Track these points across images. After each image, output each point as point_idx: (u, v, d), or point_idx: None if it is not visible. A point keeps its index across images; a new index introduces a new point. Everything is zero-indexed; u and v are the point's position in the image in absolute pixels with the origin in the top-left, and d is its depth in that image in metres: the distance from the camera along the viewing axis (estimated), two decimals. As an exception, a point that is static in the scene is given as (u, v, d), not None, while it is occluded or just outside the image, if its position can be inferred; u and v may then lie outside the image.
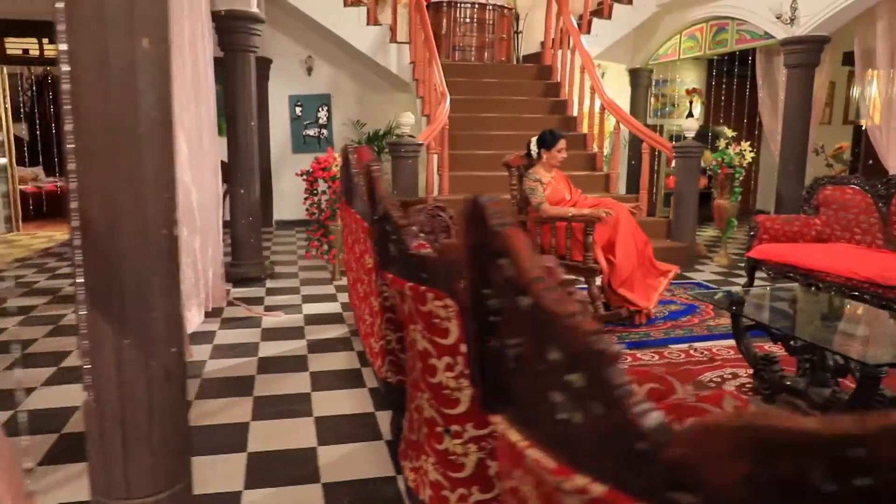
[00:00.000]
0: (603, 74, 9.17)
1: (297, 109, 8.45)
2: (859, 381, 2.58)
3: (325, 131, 8.53)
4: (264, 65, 8.21)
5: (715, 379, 3.52)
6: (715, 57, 8.99)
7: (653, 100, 9.49)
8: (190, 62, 4.03)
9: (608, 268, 4.32)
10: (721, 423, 0.61)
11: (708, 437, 0.61)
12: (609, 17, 8.24)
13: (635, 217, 4.60)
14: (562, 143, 4.55)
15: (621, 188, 8.07)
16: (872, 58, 6.05)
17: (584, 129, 7.34)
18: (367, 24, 7.58)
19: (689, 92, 9.45)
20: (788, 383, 3.04)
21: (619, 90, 9.38)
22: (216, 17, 5.18)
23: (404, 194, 5.64)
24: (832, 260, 4.48)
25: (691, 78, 9.72)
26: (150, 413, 1.68)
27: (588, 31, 8.22)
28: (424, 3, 8.14)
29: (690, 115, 9.43)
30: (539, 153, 4.58)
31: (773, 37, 6.78)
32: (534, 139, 4.62)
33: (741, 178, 6.39)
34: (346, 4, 7.49)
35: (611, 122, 9.15)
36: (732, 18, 7.47)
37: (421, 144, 5.63)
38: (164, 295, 1.69)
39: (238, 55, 5.30)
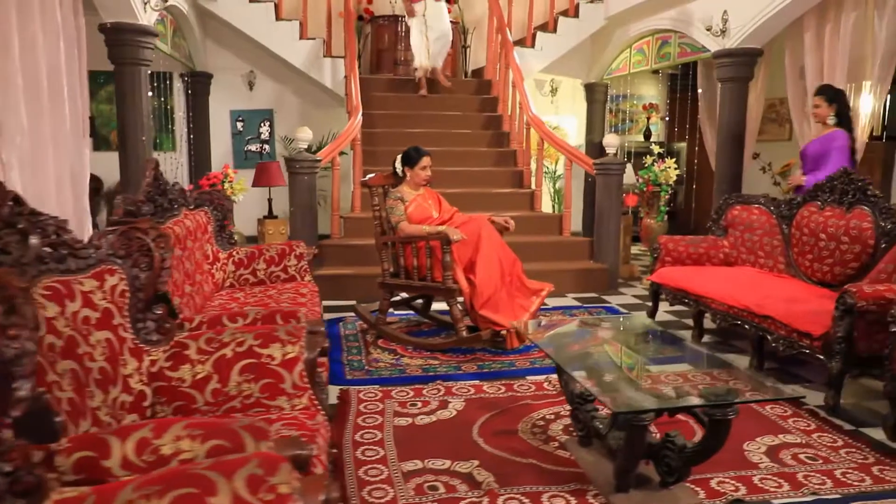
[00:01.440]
0: (555, 90, 8.97)
1: (239, 125, 8.34)
2: (626, 429, 2.32)
3: (267, 146, 8.40)
4: (205, 79, 8.13)
5: (549, 416, 3.26)
6: (671, 71, 8.72)
7: (609, 115, 9.21)
8: (23, 73, 3.87)
9: (469, 288, 4.09)
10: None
11: None
12: (554, 31, 8.02)
13: (504, 234, 4.38)
14: (425, 161, 4.36)
15: (577, 219, 7.72)
16: (804, 72, 5.75)
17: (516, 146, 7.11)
18: (301, 38, 7.45)
19: (645, 107, 9.17)
20: (598, 425, 2.78)
21: (574, 106, 9.16)
22: (103, 29, 5.08)
23: (301, 211, 5.46)
24: (717, 286, 4.19)
25: (651, 93, 9.44)
26: None
27: (532, 45, 8.01)
28: (356, 17, 8.04)
29: (648, 131, 9.14)
30: (403, 171, 4.38)
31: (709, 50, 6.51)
32: (399, 157, 4.43)
33: (668, 197, 6.09)
34: (278, 18, 7.37)
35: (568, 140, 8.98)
36: (674, 31, 7.21)
37: (318, 160, 5.45)
38: None
39: (126, 68, 5.19)
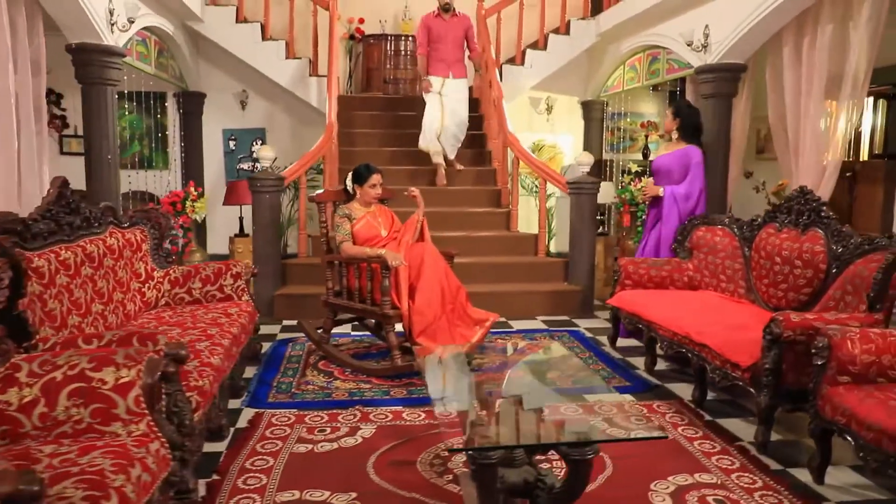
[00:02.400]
0: (550, 108, 8.83)
1: (231, 143, 8.40)
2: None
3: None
4: (198, 99, 8.22)
5: (458, 445, 3.09)
6: (671, 88, 8.49)
7: (607, 134, 9.01)
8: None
9: (408, 314, 3.97)
10: None
11: None
12: (545, 48, 7.90)
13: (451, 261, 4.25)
14: (375, 179, 4.26)
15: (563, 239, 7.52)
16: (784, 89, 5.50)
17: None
18: (287, 57, 7.48)
19: (643, 125, 8.94)
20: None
21: (570, 124, 8.99)
22: (69, 49, 5.15)
23: (263, 230, 5.42)
24: (665, 312, 3.99)
25: (651, 110, 9.20)
26: None
27: (522, 63, 7.90)
28: (348, 36, 8.06)
29: (646, 149, 8.91)
30: (353, 188, 4.30)
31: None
32: (349, 174, 4.35)
33: (644, 217, 5.87)
34: (264, 38, 7.42)
35: (562, 158, 8.81)
36: (662, 48, 7.03)
37: (282, 179, 5.41)
38: None
39: (93, 88, 5.23)
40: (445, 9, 6.66)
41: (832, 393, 2.64)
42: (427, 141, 6.68)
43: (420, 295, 3.97)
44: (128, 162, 8.10)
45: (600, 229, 6.89)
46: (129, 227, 3.93)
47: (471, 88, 7.54)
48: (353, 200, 4.33)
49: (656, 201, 5.00)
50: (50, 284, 2.80)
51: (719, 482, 2.77)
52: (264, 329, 5.19)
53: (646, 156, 8.96)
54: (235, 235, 6.07)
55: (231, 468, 2.84)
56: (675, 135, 4.94)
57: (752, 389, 3.09)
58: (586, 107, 8.90)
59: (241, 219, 6.33)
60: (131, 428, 2.13)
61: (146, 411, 2.14)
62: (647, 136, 8.96)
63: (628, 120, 8.82)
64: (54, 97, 7.61)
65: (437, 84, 6.64)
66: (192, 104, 8.14)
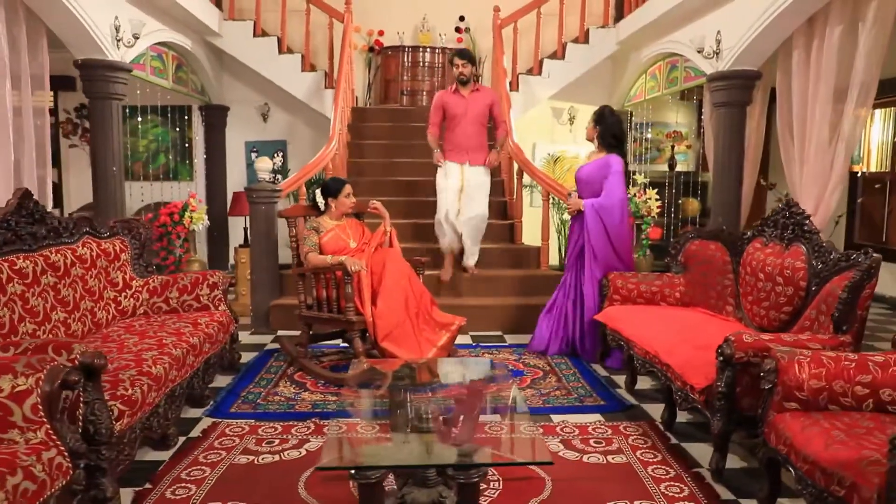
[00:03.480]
0: (573, 118, 8.68)
1: (253, 155, 8.56)
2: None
3: (280, 177, 8.56)
4: (222, 112, 8.44)
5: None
6: (699, 98, 8.22)
7: (634, 144, 8.77)
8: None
9: (372, 319, 3.94)
10: None
11: None
12: (563, 58, 7.77)
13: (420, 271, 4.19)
14: (347, 189, 4.30)
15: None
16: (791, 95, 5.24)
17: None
18: (303, 70, 7.60)
19: (669, 135, 8.67)
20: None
21: (594, 134, 8.79)
22: (76, 65, 5.35)
23: (260, 240, 5.48)
24: (642, 329, 3.83)
25: (682, 120, 8.92)
26: None
27: (539, 73, 7.79)
28: (367, 48, 8.12)
29: (672, 160, 8.64)
30: (326, 203, 4.32)
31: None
32: (318, 190, 4.38)
33: (649, 230, 5.68)
34: (281, 52, 7.56)
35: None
36: (680, 55, 6.81)
37: (279, 191, 5.47)
38: None
39: (98, 103, 5.42)
40: (463, 82, 5.39)
41: (778, 420, 2.46)
42: (446, 242, 5.52)
43: (382, 299, 3.95)
44: (154, 174, 8.38)
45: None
46: (109, 237, 4.03)
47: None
48: (323, 215, 4.36)
49: (579, 215, 4.72)
50: (0, 293, 2.88)
51: (659, 511, 2.61)
52: (255, 339, 5.25)
53: (672, 167, 8.70)
54: (240, 246, 6.17)
55: (166, 477, 2.85)
56: (595, 143, 4.70)
57: (707, 413, 2.91)
58: (610, 116, 8.70)
59: (245, 229, 6.44)
60: (29, 436, 2.15)
61: (44, 419, 2.16)
62: (673, 147, 8.69)
63: (652, 130, 8.57)
64: (86, 111, 7.94)
65: (454, 171, 5.41)
66: (215, 117, 8.36)
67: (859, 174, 7.33)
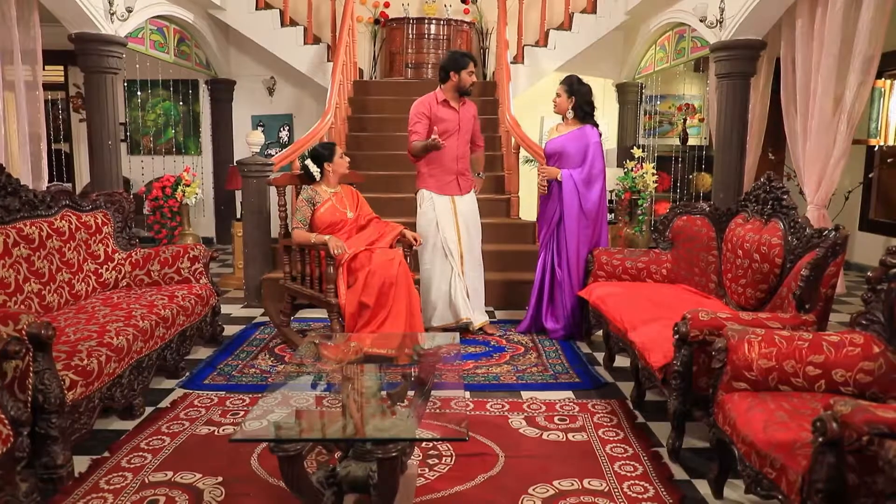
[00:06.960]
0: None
1: (260, 129, 8.59)
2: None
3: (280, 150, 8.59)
4: (228, 86, 8.46)
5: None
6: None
7: (645, 118, 8.58)
8: None
9: (353, 310, 3.92)
10: None
11: None
12: (570, 29, 7.59)
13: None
14: (339, 150, 4.28)
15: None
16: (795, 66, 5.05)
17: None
18: (305, 43, 7.55)
19: (680, 108, 8.45)
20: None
21: (604, 108, 8.62)
22: (71, 39, 5.39)
23: (251, 214, 5.50)
24: (618, 305, 3.75)
25: (694, 93, 8.68)
26: None
27: (545, 44, 7.63)
28: (373, 20, 8.03)
29: (684, 134, 8.42)
30: (322, 169, 4.25)
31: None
32: (308, 160, 4.31)
33: (645, 205, 5.56)
34: (283, 24, 7.52)
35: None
36: (686, 25, 6.60)
37: (270, 164, 5.47)
38: None
39: (93, 77, 5.46)
40: (465, 92, 4.51)
41: (726, 400, 2.40)
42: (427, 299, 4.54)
43: (352, 292, 3.91)
44: (163, 148, 8.47)
45: (609, 217, 6.57)
46: (91, 210, 4.08)
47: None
48: (320, 183, 4.29)
49: (552, 187, 4.52)
50: (-32, 264, 2.94)
51: (606, 489, 2.57)
52: (245, 312, 5.31)
53: (684, 141, 8.50)
54: (236, 219, 6.21)
55: (125, 446, 2.91)
56: (570, 114, 4.47)
57: (665, 392, 2.85)
58: (621, 89, 8.54)
59: (241, 203, 6.47)
60: (-37, 406, 2.20)
61: (-24, 390, 2.20)
62: (685, 120, 8.47)
63: (664, 103, 8.36)
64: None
65: (445, 208, 4.49)
66: (221, 91, 8.38)
67: (876, 148, 7.06)
